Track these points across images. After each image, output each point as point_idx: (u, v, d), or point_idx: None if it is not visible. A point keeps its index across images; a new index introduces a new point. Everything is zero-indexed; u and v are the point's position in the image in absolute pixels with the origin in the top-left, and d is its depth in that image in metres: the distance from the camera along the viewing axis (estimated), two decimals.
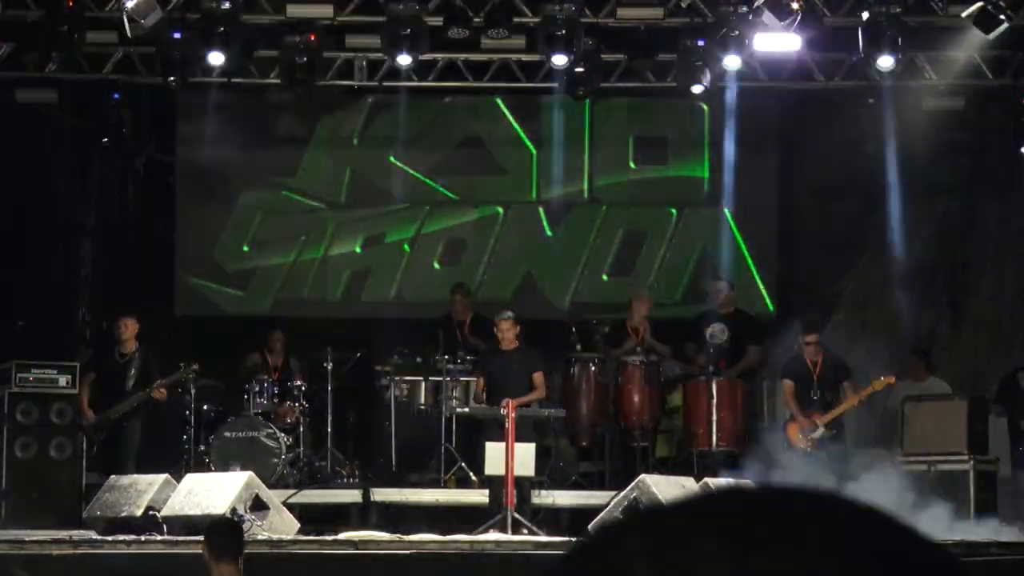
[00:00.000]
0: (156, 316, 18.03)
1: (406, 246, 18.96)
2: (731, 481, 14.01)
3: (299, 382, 16.47)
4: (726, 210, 18.73)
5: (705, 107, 18.55)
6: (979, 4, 15.69)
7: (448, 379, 16.36)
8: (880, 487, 13.94)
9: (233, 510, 13.00)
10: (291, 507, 14.23)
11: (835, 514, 1.44)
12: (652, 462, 16.06)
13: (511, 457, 14.08)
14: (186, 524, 13.09)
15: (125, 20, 15.67)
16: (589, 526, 13.47)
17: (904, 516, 1.46)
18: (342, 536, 13.17)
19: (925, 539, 1.45)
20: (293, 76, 16.69)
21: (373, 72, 17.52)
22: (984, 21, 15.78)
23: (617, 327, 17.00)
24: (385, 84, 17.70)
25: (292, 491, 15.28)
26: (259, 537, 12.76)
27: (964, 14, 15.95)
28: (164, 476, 13.86)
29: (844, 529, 1.43)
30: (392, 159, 18.94)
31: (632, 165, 18.99)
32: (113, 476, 14.13)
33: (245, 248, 18.96)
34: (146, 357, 15.54)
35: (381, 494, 15.67)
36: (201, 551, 8.78)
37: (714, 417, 15.92)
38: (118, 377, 15.52)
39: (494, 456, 14.26)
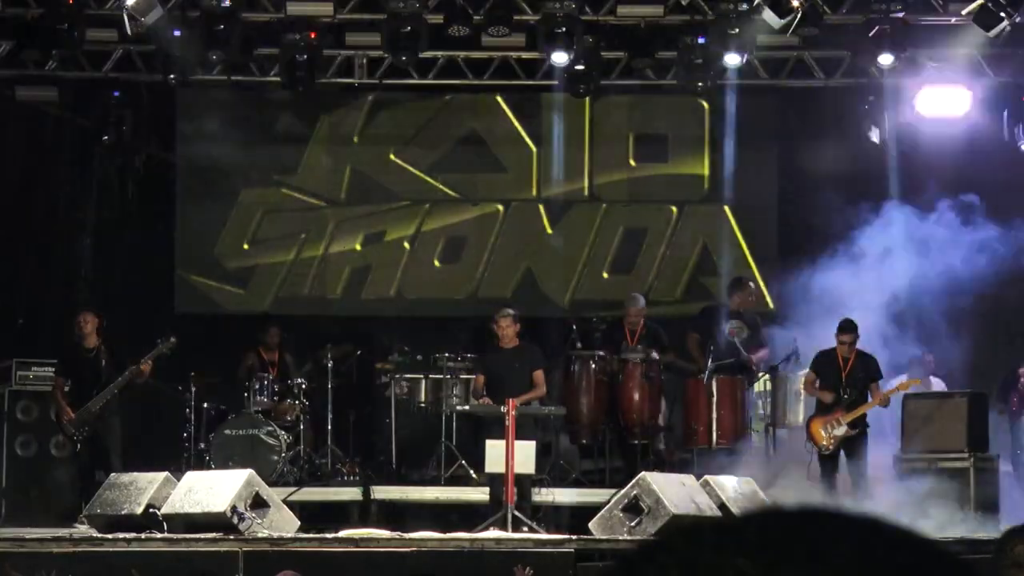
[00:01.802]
0: (156, 314, 18.06)
1: (406, 244, 18.95)
2: (732, 478, 14.02)
3: (299, 380, 16.50)
4: (726, 208, 18.73)
5: (705, 105, 18.55)
6: (979, 2, 15.69)
7: (448, 377, 16.38)
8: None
9: (233, 508, 13.01)
10: (291, 505, 14.24)
11: (863, 532, 1.52)
12: (652, 459, 16.07)
13: (511, 455, 14.07)
14: (186, 522, 13.09)
15: (125, 18, 15.68)
16: (590, 524, 13.48)
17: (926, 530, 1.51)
18: (342, 534, 13.16)
19: (948, 555, 1.53)
20: (293, 74, 16.69)
21: (373, 70, 17.53)
22: (984, 19, 15.78)
23: (613, 327, 17.02)
24: (385, 82, 17.71)
25: (292, 489, 15.29)
26: (259, 535, 12.76)
27: (964, 12, 15.95)
28: (164, 474, 13.85)
29: (870, 547, 1.51)
30: (392, 157, 18.94)
31: (632, 163, 18.98)
32: (113, 474, 14.12)
33: (245, 246, 18.95)
34: (112, 348, 15.45)
35: (381, 492, 15.68)
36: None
37: (714, 415, 15.93)
38: (91, 373, 15.35)
39: (494, 454, 14.26)
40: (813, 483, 14.98)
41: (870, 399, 15.27)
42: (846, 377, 15.38)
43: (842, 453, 15.24)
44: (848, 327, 15.43)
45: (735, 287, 17.23)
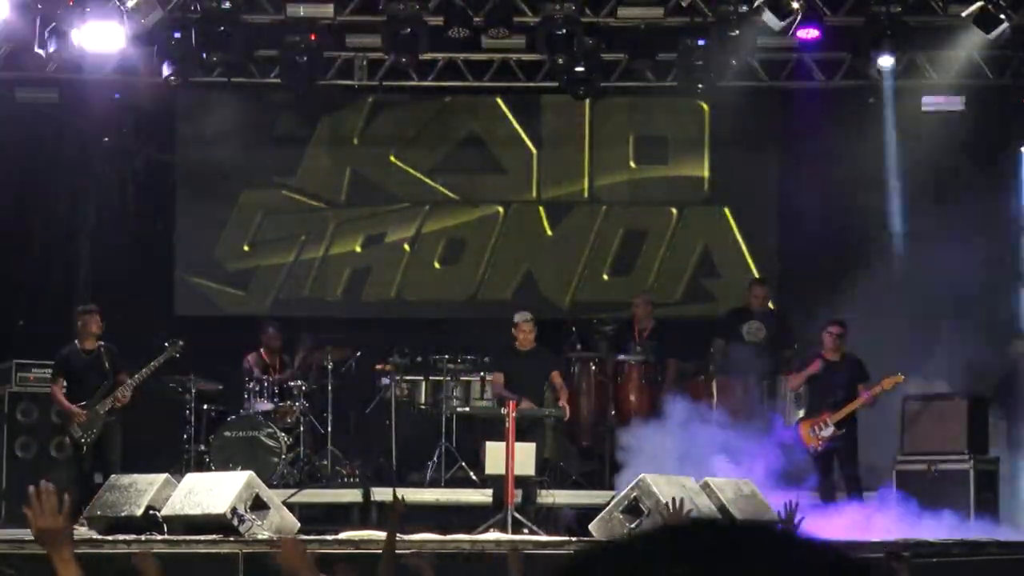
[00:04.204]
0: (156, 316, 18.05)
1: (406, 245, 18.96)
2: (732, 480, 14.02)
3: (298, 381, 16.51)
4: (726, 210, 18.74)
5: (705, 106, 18.55)
6: (979, 3, 15.70)
7: (448, 378, 16.38)
8: None
9: (233, 510, 13.00)
10: (291, 507, 14.24)
11: (784, 542, 1.75)
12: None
13: (511, 457, 14.08)
14: (186, 524, 13.09)
15: (125, 19, 15.67)
16: (590, 526, 13.48)
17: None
18: (342, 536, 13.16)
19: (854, 560, 1.76)
20: (293, 75, 16.70)
21: (373, 71, 17.53)
22: (984, 20, 15.79)
23: (622, 328, 17.04)
24: (385, 83, 17.71)
25: (292, 491, 15.30)
26: (259, 537, 12.76)
27: (964, 13, 15.96)
28: (164, 476, 13.85)
29: (789, 554, 1.73)
30: (392, 158, 18.94)
31: (632, 164, 18.98)
32: (113, 476, 14.12)
33: (245, 247, 18.95)
34: (111, 350, 15.36)
35: (381, 494, 15.68)
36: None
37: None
38: (93, 374, 15.25)
39: (494, 456, 14.26)
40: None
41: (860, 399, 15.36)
42: (834, 378, 15.43)
43: (832, 454, 15.32)
44: (838, 321, 15.56)
45: (748, 288, 17.32)
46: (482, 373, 16.68)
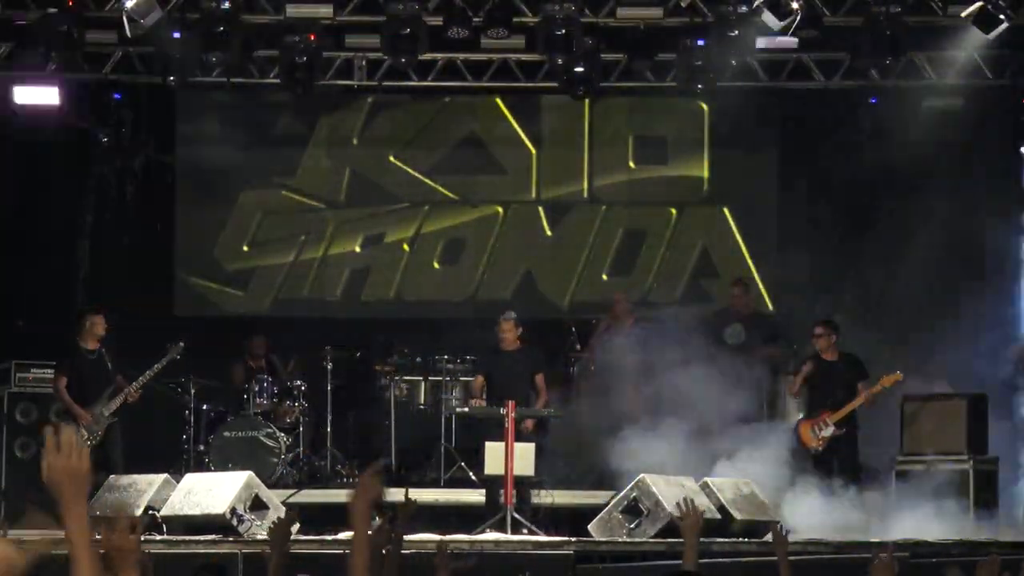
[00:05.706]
0: (156, 317, 18.06)
1: (406, 246, 18.97)
2: (732, 480, 14.03)
3: (298, 382, 16.52)
4: (726, 210, 18.74)
5: (705, 107, 18.56)
6: (979, 3, 15.70)
7: (447, 379, 16.38)
8: None
9: (232, 510, 13.01)
10: (290, 507, 14.22)
11: None
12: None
13: (511, 457, 14.07)
14: (186, 524, 13.09)
15: (125, 20, 15.67)
16: (589, 526, 13.48)
17: None
18: (341, 536, 13.15)
19: None
20: (293, 76, 16.69)
21: (373, 72, 17.53)
22: (984, 20, 15.78)
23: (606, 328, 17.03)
24: (385, 84, 17.71)
25: (292, 491, 15.30)
26: (258, 537, 12.75)
27: (964, 13, 15.96)
28: (163, 476, 13.85)
29: None
30: (392, 159, 18.95)
31: (632, 165, 18.99)
32: (112, 476, 14.12)
33: (245, 248, 18.96)
34: (110, 352, 15.34)
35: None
36: None
37: None
38: (96, 375, 15.22)
39: (493, 456, 14.24)
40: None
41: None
42: (832, 378, 15.42)
43: (833, 454, 15.31)
44: (820, 322, 15.56)
45: (730, 289, 17.32)
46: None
